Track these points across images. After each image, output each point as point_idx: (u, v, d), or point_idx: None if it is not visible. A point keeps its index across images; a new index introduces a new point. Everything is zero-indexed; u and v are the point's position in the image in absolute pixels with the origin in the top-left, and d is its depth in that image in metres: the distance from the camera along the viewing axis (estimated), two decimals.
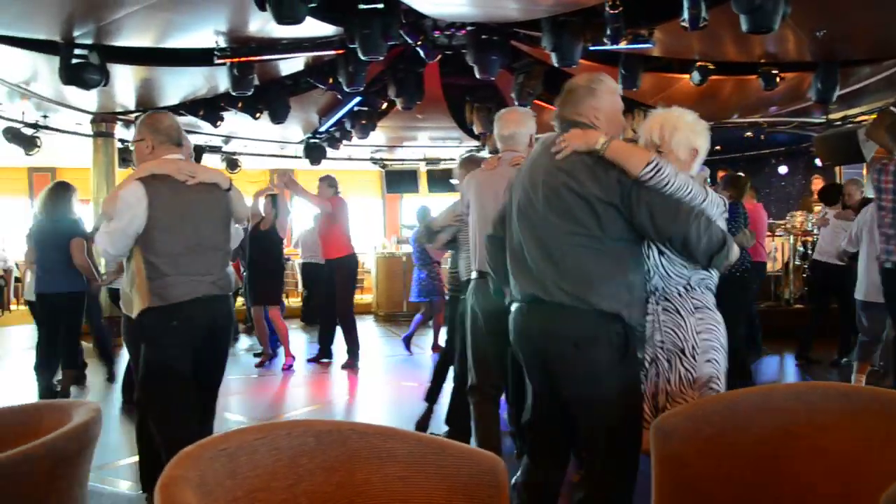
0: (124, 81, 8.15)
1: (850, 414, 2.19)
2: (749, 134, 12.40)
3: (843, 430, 2.15)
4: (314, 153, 12.14)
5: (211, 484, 1.54)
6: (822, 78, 7.79)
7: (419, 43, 7.22)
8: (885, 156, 8.61)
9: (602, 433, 2.51)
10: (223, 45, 7.09)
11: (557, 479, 2.78)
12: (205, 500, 1.50)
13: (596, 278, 2.49)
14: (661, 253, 2.65)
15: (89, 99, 8.80)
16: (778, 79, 7.87)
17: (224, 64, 7.26)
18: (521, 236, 2.67)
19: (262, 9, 5.23)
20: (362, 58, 6.61)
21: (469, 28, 7.20)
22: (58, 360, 6.20)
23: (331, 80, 8.40)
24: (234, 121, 9.79)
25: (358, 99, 9.91)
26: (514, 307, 2.74)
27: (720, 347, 2.70)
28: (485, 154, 13.31)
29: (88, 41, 6.81)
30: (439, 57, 7.87)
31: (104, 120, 9.99)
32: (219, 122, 9.52)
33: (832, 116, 10.75)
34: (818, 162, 11.67)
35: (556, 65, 6.95)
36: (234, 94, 7.62)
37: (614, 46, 6.77)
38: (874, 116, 9.70)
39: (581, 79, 2.76)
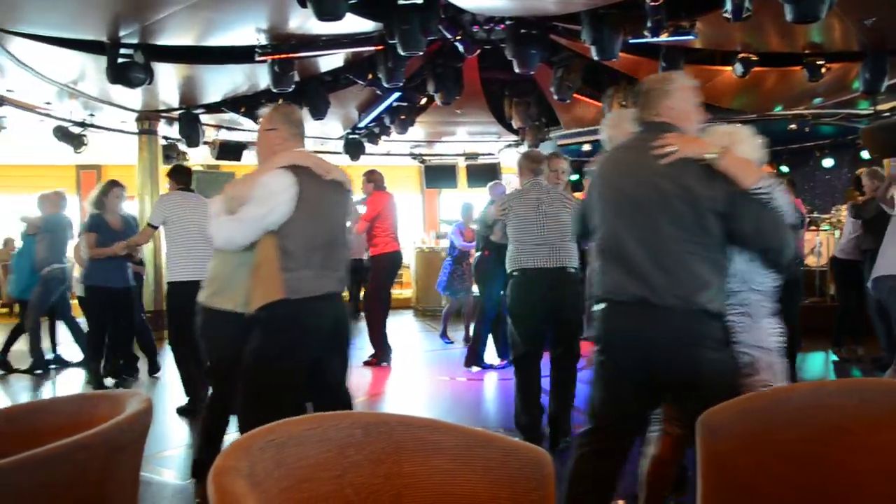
0: (167, 79, 8.30)
1: None
2: (793, 126, 12.16)
3: (894, 428, 2.11)
4: (353, 149, 12.23)
5: (261, 474, 1.57)
6: (870, 67, 7.61)
7: (458, 38, 7.22)
8: None
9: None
10: (264, 42, 7.18)
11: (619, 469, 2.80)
12: (255, 490, 1.52)
13: (704, 284, 2.57)
14: (751, 260, 2.75)
15: (134, 97, 8.98)
16: (823, 69, 7.72)
17: (265, 61, 7.35)
18: (621, 236, 2.70)
19: (303, 6, 5.28)
20: (402, 53, 6.64)
21: (508, 22, 7.18)
22: (104, 351, 6.41)
23: (370, 76, 8.44)
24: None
25: (397, 94, 9.95)
26: (604, 306, 2.76)
27: (776, 349, 2.82)
28: (523, 149, 13.30)
29: (133, 41, 6.96)
30: (478, 52, 7.85)
31: (148, 118, 10.18)
32: (260, 119, 9.62)
33: (880, 107, 10.50)
34: (865, 154, 11.40)
35: (595, 58, 6.89)
36: (274, 90, 7.69)
37: (655, 39, 6.70)
38: None
39: (653, 80, 2.83)
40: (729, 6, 5.53)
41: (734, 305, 2.78)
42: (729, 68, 8.09)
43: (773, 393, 2.46)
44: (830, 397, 2.26)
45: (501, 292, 6.27)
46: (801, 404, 2.23)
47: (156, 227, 5.86)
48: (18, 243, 8.81)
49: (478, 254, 7.26)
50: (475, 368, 7.37)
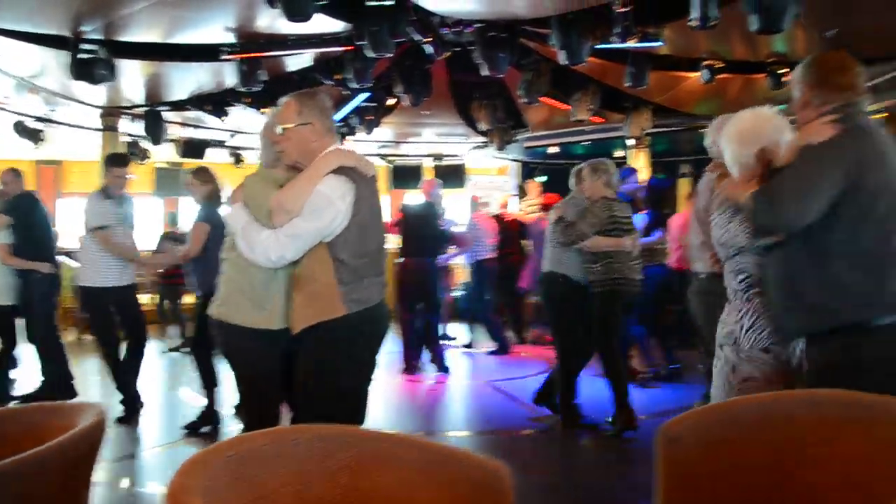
0: (132, 76, 8.17)
1: (857, 420, 2.18)
2: None
3: (853, 437, 2.14)
4: None
5: (220, 490, 1.55)
6: None
7: (427, 40, 7.19)
8: None
9: None
10: (232, 40, 7.10)
11: None
12: None
13: None
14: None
15: (97, 93, 8.81)
16: (786, 78, 7.84)
17: (232, 60, 7.26)
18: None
19: (272, 5, 5.23)
20: (371, 55, 6.61)
21: (477, 25, 7.18)
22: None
23: (338, 76, 8.38)
24: (240, 115, 9.80)
25: (365, 95, 9.90)
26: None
27: None
28: (490, 151, 13.30)
29: (97, 36, 6.83)
30: (447, 54, 7.84)
31: (111, 114, 10.01)
32: (225, 117, 9.54)
33: None
34: None
35: (564, 63, 6.92)
36: (241, 89, 7.61)
37: (623, 45, 6.75)
38: (884, 115, 9.66)
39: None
40: (696, 14, 5.58)
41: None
42: (694, 74, 8.18)
43: (731, 404, 2.48)
44: (789, 408, 2.29)
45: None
46: (760, 414, 2.26)
47: None
48: None
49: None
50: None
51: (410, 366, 7.60)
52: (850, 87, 2.63)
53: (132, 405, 5.75)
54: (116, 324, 5.91)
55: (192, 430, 5.42)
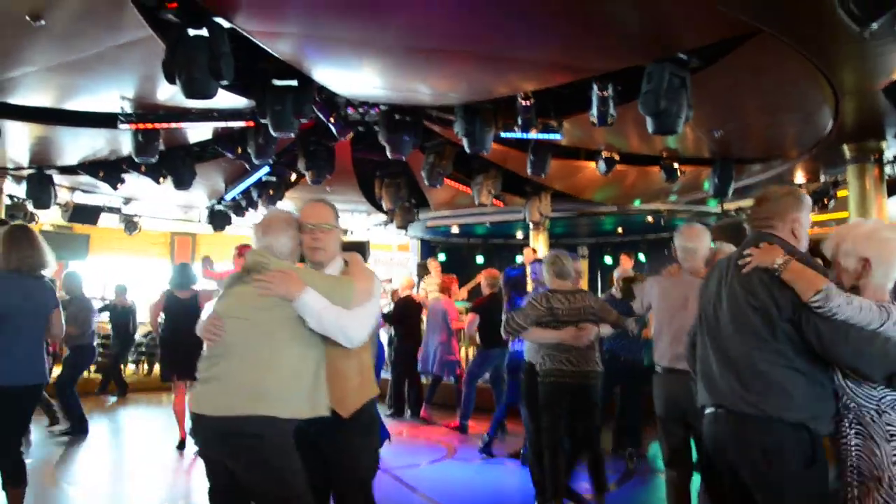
0: (18, 137, 7.79)
1: None
2: (650, 219, 12.87)
3: None
4: (218, 220, 11.88)
5: None
6: (719, 173, 8.20)
7: (332, 119, 7.17)
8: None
9: None
10: (128, 110, 6.87)
11: None
12: None
13: (780, 390, 2.57)
14: (843, 374, 2.57)
15: None
16: (679, 172, 8.22)
17: (128, 129, 7.02)
18: (706, 348, 2.84)
19: (172, 82, 5.08)
20: (273, 134, 6.53)
21: (382, 107, 7.23)
22: None
23: (239, 150, 8.23)
24: (135, 182, 9.47)
25: (266, 169, 9.77)
26: (706, 412, 2.84)
27: None
28: (392, 228, 13.30)
29: None
30: (351, 134, 7.84)
31: None
32: (119, 185, 9.18)
33: (727, 206, 11.30)
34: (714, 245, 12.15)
35: (467, 150, 7.03)
36: (136, 160, 7.35)
37: (525, 135, 6.93)
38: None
39: (781, 188, 2.89)
40: (595, 112, 5.80)
41: (851, 423, 2.56)
42: (593, 164, 8.47)
43: None
44: None
45: None
46: None
47: None
48: None
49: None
50: None
51: None
52: None
53: None
54: None
55: None
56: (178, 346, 6.63)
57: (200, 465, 3.00)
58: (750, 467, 2.63)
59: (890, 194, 7.78)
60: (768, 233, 2.75)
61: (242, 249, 7.24)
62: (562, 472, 4.88)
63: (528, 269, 7.02)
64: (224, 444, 2.74)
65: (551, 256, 5.05)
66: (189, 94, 5.02)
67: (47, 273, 4.34)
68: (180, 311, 6.79)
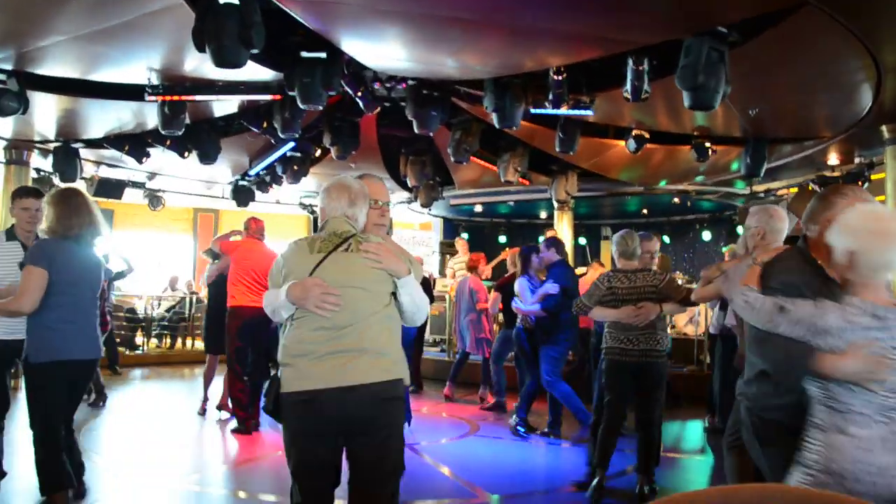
0: (45, 110, 7.77)
1: None
2: (676, 200, 12.72)
3: None
4: (242, 195, 11.84)
5: None
6: (751, 153, 8.04)
7: (359, 94, 7.09)
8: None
9: None
10: (155, 81, 6.83)
11: None
12: None
13: None
14: None
15: (4, 124, 8.34)
16: (710, 151, 8.07)
17: (155, 101, 6.98)
18: None
19: (202, 50, 5.01)
20: (301, 107, 6.46)
21: (410, 82, 7.14)
22: None
23: (265, 125, 8.18)
24: (160, 157, 9.45)
25: (291, 144, 9.71)
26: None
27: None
28: (416, 207, 13.27)
29: (8, 66, 6.47)
30: (378, 108, 7.76)
31: (17, 147, 9.47)
32: (144, 159, 9.16)
33: (756, 188, 11.12)
34: (741, 230, 11.99)
35: (497, 125, 6.93)
36: (163, 132, 7.32)
37: (555, 111, 6.81)
38: (794, 191, 10.08)
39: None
40: (629, 87, 5.67)
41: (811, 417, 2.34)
42: (621, 142, 8.33)
43: (682, 498, 2.38)
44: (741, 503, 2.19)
45: None
46: None
47: None
48: None
49: None
50: None
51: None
52: None
53: None
54: None
55: None
56: (222, 321, 6.94)
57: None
58: None
59: None
60: None
61: (253, 223, 7.25)
62: (612, 450, 4.95)
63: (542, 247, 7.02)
64: (377, 409, 2.73)
65: (617, 236, 5.14)
66: (219, 62, 4.95)
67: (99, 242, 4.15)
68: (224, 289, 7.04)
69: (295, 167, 10.18)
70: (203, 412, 7.60)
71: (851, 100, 6.71)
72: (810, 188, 9.20)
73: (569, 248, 11.93)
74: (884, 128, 7.38)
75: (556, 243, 6.86)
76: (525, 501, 5.10)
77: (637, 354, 4.84)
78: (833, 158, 9.06)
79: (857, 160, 8.98)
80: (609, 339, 4.96)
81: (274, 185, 11.50)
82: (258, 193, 11.92)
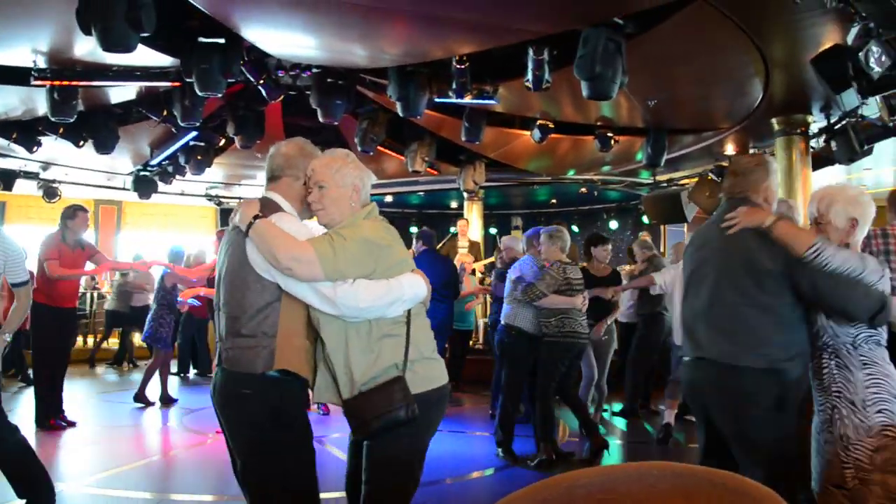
0: None
1: (685, 494, 2.16)
2: (583, 190, 12.96)
3: None
4: (144, 186, 11.41)
5: None
6: (652, 143, 8.26)
7: (262, 81, 6.91)
8: (703, 216, 9.25)
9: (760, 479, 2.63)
10: (42, 65, 6.49)
11: None
12: None
13: (759, 339, 2.88)
14: (827, 316, 2.92)
15: None
16: (613, 141, 8.24)
17: (42, 86, 6.63)
18: (691, 307, 3.17)
19: (87, 32, 4.78)
20: (200, 94, 6.26)
21: (315, 70, 7.02)
22: None
23: (165, 113, 7.89)
24: (54, 146, 9.01)
25: (193, 133, 9.42)
26: (685, 360, 3.22)
27: (891, 398, 2.85)
28: None
29: None
30: (282, 97, 7.60)
31: None
32: (35, 148, 8.72)
33: (659, 178, 11.44)
34: (646, 219, 12.35)
35: (401, 114, 6.90)
36: (52, 119, 6.96)
37: (459, 100, 6.83)
38: (695, 181, 10.41)
39: (750, 160, 3.23)
40: (530, 76, 5.73)
41: (831, 356, 2.93)
42: (527, 132, 8.43)
43: (565, 479, 2.41)
44: (620, 483, 2.24)
45: None
46: (589, 491, 2.18)
47: None
48: None
49: None
50: None
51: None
52: None
53: None
54: None
55: None
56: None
57: None
58: (721, 413, 2.98)
59: (814, 168, 7.94)
60: (744, 197, 3.09)
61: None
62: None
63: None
64: None
65: (561, 232, 5.96)
66: (106, 46, 4.73)
67: None
68: None
69: (198, 157, 9.85)
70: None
71: (744, 93, 6.97)
72: (710, 178, 9.54)
73: (479, 237, 12.03)
74: (773, 120, 7.70)
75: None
76: (434, 489, 5.11)
77: (583, 337, 5.89)
78: (730, 149, 9.40)
79: (751, 150, 9.35)
80: (562, 325, 5.73)
81: (178, 176, 11.15)
82: (161, 185, 11.53)
